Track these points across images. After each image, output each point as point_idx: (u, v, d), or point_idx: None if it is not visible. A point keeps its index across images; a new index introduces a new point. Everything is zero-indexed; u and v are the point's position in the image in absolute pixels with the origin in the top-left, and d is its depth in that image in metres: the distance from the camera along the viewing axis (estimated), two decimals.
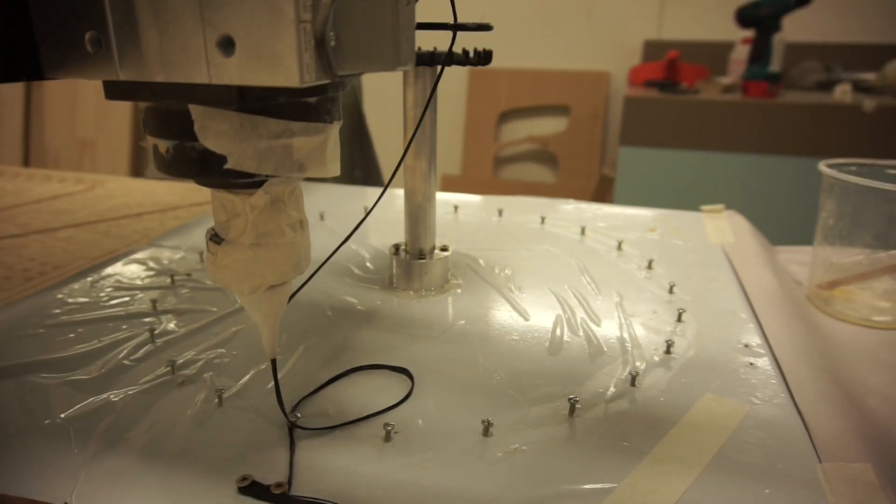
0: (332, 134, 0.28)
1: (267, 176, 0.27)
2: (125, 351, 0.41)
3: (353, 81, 1.09)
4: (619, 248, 0.61)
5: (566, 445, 0.33)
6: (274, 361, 0.34)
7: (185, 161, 0.27)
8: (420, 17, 0.31)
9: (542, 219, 0.69)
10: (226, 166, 0.26)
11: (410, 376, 0.38)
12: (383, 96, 0.44)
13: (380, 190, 0.86)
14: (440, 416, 0.35)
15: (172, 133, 0.26)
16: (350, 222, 0.69)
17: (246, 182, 0.27)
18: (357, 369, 0.39)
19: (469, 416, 0.35)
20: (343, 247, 0.42)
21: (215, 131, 0.25)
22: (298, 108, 0.27)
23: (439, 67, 0.42)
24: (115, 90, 0.26)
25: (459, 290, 0.51)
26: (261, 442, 0.33)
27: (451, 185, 2.42)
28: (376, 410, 0.35)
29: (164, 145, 0.27)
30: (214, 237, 0.30)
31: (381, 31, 0.27)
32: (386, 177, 1.19)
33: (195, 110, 0.25)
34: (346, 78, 0.26)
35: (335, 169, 0.29)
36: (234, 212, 0.29)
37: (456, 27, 0.39)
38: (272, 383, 0.38)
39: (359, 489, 0.29)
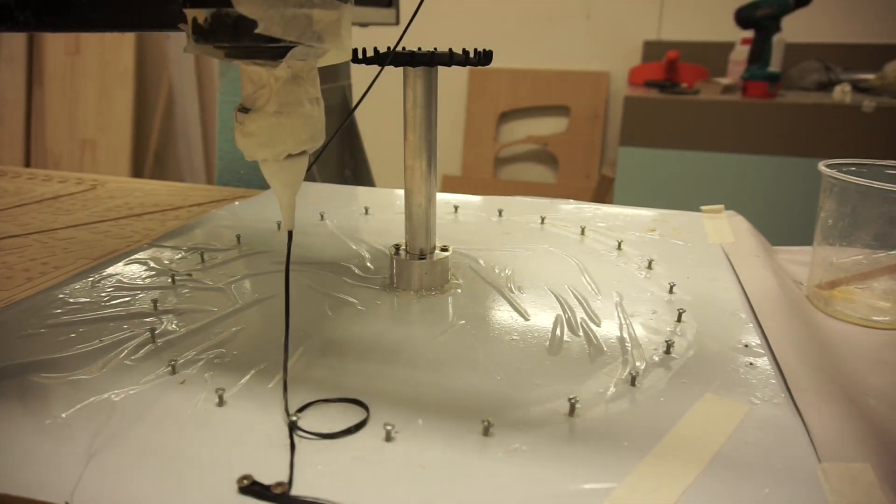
0: (346, 14, 0.33)
1: (290, 45, 0.31)
2: (126, 351, 0.41)
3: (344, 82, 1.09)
4: (619, 248, 0.61)
5: (566, 445, 0.33)
6: (286, 350, 0.35)
7: (222, 27, 0.31)
8: (421, 16, 0.31)
9: (542, 219, 0.69)
10: (256, 31, 0.30)
11: (365, 407, 0.36)
12: (372, 97, 0.44)
13: (374, 190, 0.86)
14: (440, 416, 0.35)
15: (211, 1, 0.31)
16: (350, 222, 0.70)
17: (272, 48, 0.31)
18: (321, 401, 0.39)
19: (469, 416, 0.35)
20: (343, 247, 0.42)
21: None
22: None
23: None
24: None
25: (459, 290, 0.52)
26: (261, 442, 0.33)
27: (451, 185, 2.42)
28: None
29: (202, 15, 0.31)
30: (242, 109, 0.34)
31: None
32: (377, 177, 1.19)
33: None
34: None
35: (348, 50, 0.34)
36: (260, 83, 0.33)
37: None
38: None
39: (359, 489, 0.30)
